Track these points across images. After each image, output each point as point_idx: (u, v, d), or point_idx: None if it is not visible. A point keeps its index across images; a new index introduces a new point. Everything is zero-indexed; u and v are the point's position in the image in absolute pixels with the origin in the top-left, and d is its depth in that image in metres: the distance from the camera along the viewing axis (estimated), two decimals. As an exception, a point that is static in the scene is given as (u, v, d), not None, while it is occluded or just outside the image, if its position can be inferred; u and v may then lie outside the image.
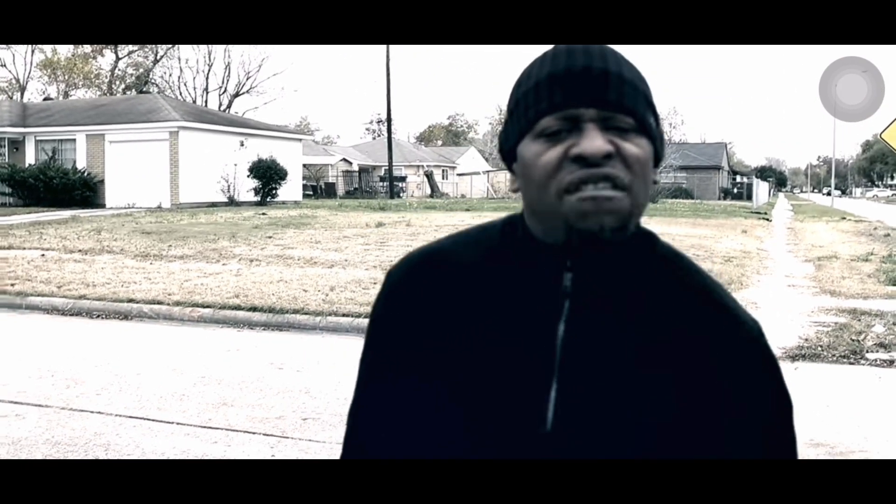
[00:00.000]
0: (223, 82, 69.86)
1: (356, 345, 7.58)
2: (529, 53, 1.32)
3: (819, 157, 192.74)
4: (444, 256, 1.30)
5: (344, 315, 10.19)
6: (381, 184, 62.67)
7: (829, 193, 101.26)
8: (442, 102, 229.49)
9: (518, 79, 1.25)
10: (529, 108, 1.20)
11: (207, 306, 10.91)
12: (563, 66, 1.19)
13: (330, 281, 12.59)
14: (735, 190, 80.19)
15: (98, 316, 10.90)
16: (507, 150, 1.25)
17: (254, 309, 10.71)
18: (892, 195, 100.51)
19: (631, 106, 1.18)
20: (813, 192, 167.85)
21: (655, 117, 1.23)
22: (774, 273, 14.91)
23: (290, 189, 39.24)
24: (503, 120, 1.29)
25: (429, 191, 63.14)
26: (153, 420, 6.12)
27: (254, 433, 5.82)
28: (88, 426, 5.92)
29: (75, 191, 33.36)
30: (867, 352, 8.30)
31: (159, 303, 11.17)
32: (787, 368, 7.63)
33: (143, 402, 6.59)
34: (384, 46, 52.42)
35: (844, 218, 37.84)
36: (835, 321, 9.73)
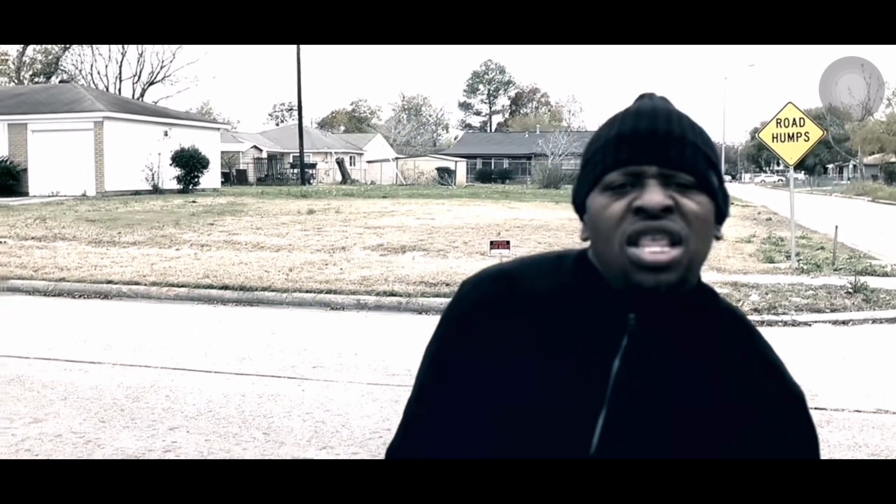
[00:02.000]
0: (137, 71, 69.64)
1: (325, 316, 9.90)
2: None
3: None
4: (519, 282, 1.37)
5: (307, 291, 11.79)
6: (291, 170, 63.67)
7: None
8: (344, 88, 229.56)
9: (590, 140, 1.35)
10: (598, 163, 1.29)
11: (182, 286, 12.35)
12: (630, 128, 1.28)
13: (286, 262, 14.17)
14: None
15: (80, 296, 12.13)
16: (579, 202, 1.35)
17: (225, 287, 12.18)
18: (778, 180, 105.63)
19: (690, 164, 1.25)
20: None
21: (718, 176, 1.30)
22: (670, 253, 17.02)
23: (210, 177, 40.35)
24: (576, 175, 1.37)
25: (339, 177, 64.37)
26: (195, 370, 7.69)
27: (280, 377, 7.47)
28: (145, 375, 7.47)
29: (-2, 179, 33.91)
30: (743, 314, 10.37)
31: (136, 283, 12.52)
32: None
33: (177, 358, 8.15)
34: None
35: (733, 203, 40.71)
36: (718, 291, 11.81)
